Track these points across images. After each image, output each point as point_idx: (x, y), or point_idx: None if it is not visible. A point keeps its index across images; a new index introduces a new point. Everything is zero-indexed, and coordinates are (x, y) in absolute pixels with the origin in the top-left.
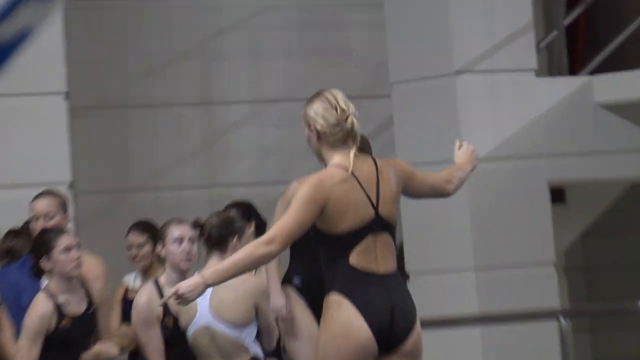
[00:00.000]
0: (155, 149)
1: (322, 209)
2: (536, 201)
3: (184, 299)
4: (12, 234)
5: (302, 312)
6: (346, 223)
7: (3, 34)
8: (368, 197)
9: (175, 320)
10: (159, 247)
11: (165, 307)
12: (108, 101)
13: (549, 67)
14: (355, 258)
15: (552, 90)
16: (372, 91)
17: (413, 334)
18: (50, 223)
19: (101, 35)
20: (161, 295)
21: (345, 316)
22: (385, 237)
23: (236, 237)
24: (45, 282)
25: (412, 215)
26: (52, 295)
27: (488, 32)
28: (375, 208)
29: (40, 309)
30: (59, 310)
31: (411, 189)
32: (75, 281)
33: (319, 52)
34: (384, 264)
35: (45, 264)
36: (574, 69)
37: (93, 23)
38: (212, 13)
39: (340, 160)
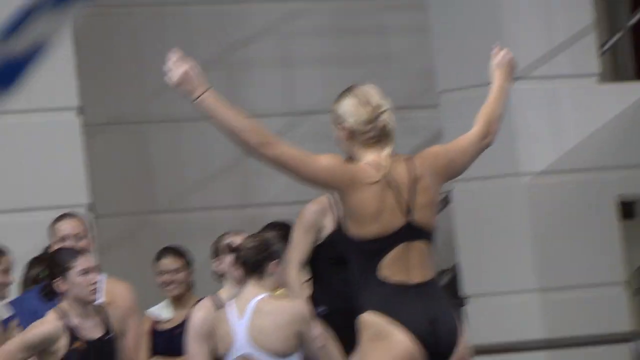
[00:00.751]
0: (181, 167)
1: (338, 189)
2: (603, 217)
3: (181, 77)
4: (36, 260)
5: (329, 342)
6: (375, 227)
7: (14, 49)
8: (400, 202)
9: None
10: (215, 263)
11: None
12: (126, 117)
13: (614, 72)
14: (386, 270)
15: (617, 96)
16: (418, 101)
17: (458, 346)
18: (81, 244)
19: (116, 46)
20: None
21: (386, 333)
22: (419, 245)
23: (275, 261)
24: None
25: (467, 235)
26: (63, 316)
27: (546, 35)
28: (408, 214)
29: (45, 327)
30: (71, 331)
31: (455, 173)
32: (90, 307)
33: (357, 60)
34: (419, 274)
35: (60, 285)
36: None
37: (106, 32)
38: (237, 19)
39: (373, 159)
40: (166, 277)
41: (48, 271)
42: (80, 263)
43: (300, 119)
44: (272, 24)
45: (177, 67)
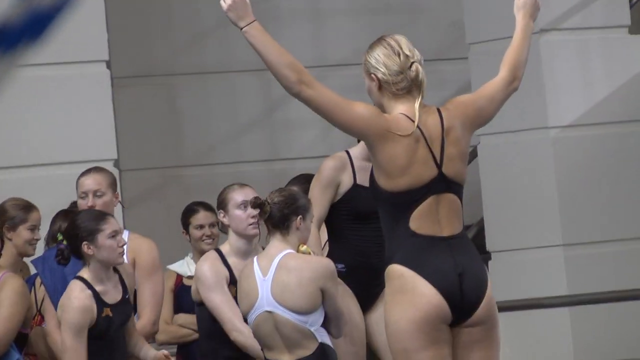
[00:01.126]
0: (208, 121)
1: (369, 138)
2: (631, 171)
3: (231, 4)
4: (62, 214)
5: (348, 299)
6: (405, 179)
7: (42, 0)
8: (432, 153)
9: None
10: (220, 215)
11: (232, 276)
12: (153, 69)
13: None
14: (416, 222)
15: None
16: (447, 53)
17: (485, 299)
18: (100, 201)
19: None
20: (226, 263)
21: (411, 286)
22: (449, 197)
23: (300, 216)
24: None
25: (492, 191)
26: (88, 284)
27: None
28: (439, 166)
29: (79, 301)
30: (98, 299)
31: (484, 121)
32: (110, 269)
33: (388, 11)
34: (449, 226)
35: (87, 249)
36: None
37: None
38: None
39: (405, 110)
40: (206, 230)
41: (65, 235)
42: (110, 225)
43: (330, 71)
44: None
45: None
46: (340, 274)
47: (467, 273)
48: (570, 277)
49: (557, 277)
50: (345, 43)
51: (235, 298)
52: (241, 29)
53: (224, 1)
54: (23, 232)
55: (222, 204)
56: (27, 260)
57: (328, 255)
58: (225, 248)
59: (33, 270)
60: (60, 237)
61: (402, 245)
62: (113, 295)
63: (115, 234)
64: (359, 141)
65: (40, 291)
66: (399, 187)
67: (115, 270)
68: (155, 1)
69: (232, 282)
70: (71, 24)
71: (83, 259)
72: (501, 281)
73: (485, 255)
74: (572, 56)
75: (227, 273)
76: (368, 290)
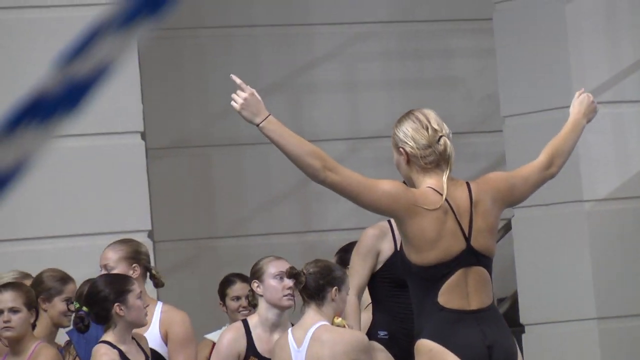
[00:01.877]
0: (242, 192)
1: (397, 214)
2: None
3: (243, 104)
4: (86, 283)
5: None
6: (434, 253)
7: (78, 71)
8: (460, 226)
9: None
10: (254, 285)
11: (252, 348)
12: (188, 141)
13: None
14: (445, 296)
15: None
16: (482, 126)
17: None
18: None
19: (180, 69)
20: (249, 335)
21: (440, 356)
22: (478, 271)
23: (335, 287)
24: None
25: (526, 262)
26: (114, 345)
27: (612, 59)
28: (467, 239)
29: (108, 357)
30: (123, 357)
31: (516, 200)
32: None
33: (422, 83)
34: (477, 300)
35: (119, 310)
36: None
37: (170, 55)
38: (302, 42)
39: (433, 183)
40: (242, 302)
41: (88, 300)
42: (136, 286)
43: (364, 143)
44: (337, 47)
45: (239, 93)
46: (383, 342)
47: (496, 345)
48: (604, 351)
49: (591, 351)
50: (379, 115)
51: None
52: (257, 125)
53: (236, 102)
54: (58, 304)
55: (257, 274)
56: (62, 330)
57: (371, 323)
58: (253, 319)
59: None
60: (77, 305)
61: (430, 319)
62: (135, 356)
63: (140, 295)
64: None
65: None
66: (428, 260)
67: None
68: (190, 72)
69: (254, 354)
70: (107, 95)
71: (107, 323)
72: (535, 354)
73: (519, 328)
74: (607, 129)
75: (245, 345)
76: (410, 358)
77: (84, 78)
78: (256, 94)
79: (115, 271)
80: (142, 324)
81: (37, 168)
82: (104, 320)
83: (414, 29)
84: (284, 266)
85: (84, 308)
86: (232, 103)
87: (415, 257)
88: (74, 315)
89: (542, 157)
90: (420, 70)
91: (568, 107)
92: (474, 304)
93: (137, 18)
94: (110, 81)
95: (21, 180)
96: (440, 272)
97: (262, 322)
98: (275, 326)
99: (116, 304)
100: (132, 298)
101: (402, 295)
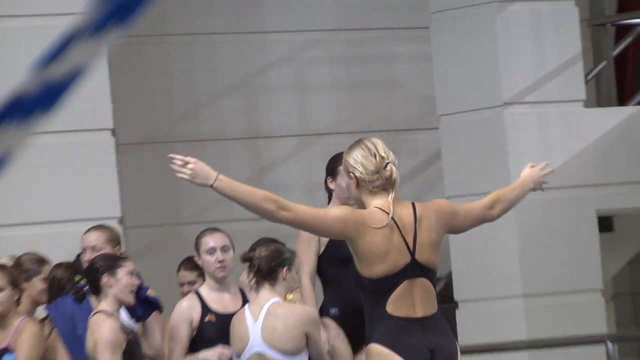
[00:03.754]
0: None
1: (353, 238)
2: (584, 230)
3: (192, 173)
4: (57, 265)
5: (340, 342)
6: (382, 267)
7: (54, 74)
8: (405, 241)
9: (217, 316)
10: (196, 258)
11: (207, 308)
12: (154, 137)
13: (598, 98)
14: (392, 305)
15: (601, 121)
16: (420, 124)
17: None
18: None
19: (146, 72)
20: (203, 303)
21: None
22: (423, 282)
23: (285, 267)
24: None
25: (459, 245)
26: (111, 314)
27: (536, 64)
28: (412, 253)
29: (109, 325)
30: (122, 326)
31: (456, 227)
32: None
33: (366, 86)
34: (422, 309)
35: (107, 281)
36: (622, 100)
37: (138, 60)
38: (257, 48)
39: (380, 204)
40: (185, 288)
41: (84, 276)
42: (129, 264)
43: (313, 139)
44: (290, 52)
45: (184, 166)
46: (335, 318)
47: (438, 349)
48: (530, 325)
49: (518, 326)
50: (327, 114)
51: (213, 323)
52: (211, 186)
53: (184, 174)
54: (37, 283)
55: (197, 248)
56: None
57: (323, 302)
58: (203, 287)
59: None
60: (77, 278)
61: (379, 326)
62: (126, 326)
63: (132, 273)
64: (329, 200)
65: (53, 335)
66: (377, 273)
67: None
68: (156, 75)
69: (210, 312)
70: (80, 96)
71: (99, 295)
72: (467, 328)
73: (454, 305)
74: (533, 127)
75: (199, 309)
76: (359, 332)
77: (59, 80)
78: (198, 161)
79: (102, 251)
80: (126, 300)
81: (17, 162)
82: (96, 290)
83: (359, 36)
84: (215, 241)
85: (83, 281)
86: (182, 176)
87: (366, 271)
88: (74, 286)
89: (487, 199)
90: (365, 74)
91: (497, 106)
92: (419, 312)
93: (107, 26)
94: (83, 83)
95: (3, 172)
96: (388, 283)
97: (210, 288)
98: (222, 288)
99: (105, 275)
100: (121, 272)
101: (346, 272)
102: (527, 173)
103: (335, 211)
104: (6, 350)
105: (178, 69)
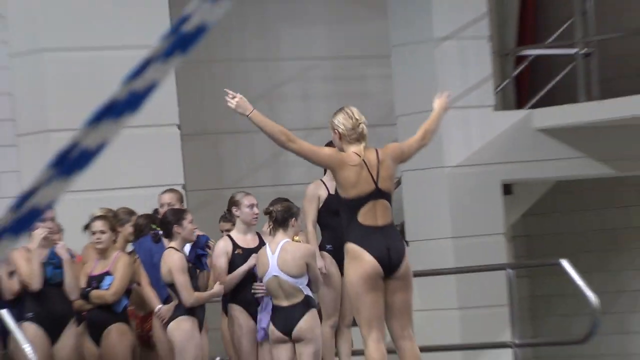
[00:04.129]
0: (239, 162)
1: (335, 170)
2: (493, 192)
3: (237, 104)
4: (140, 216)
5: (333, 268)
6: (355, 191)
7: (137, 86)
8: (371, 175)
9: (243, 250)
10: (234, 210)
11: (236, 245)
12: (207, 129)
13: (503, 104)
14: (362, 217)
15: (505, 119)
16: (385, 121)
17: (403, 264)
18: (174, 207)
19: (203, 82)
20: (233, 242)
21: (359, 255)
22: (383, 202)
23: (294, 218)
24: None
25: (410, 203)
26: (178, 250)
27: (462, 79)
28: (376, 183)
29: (179, 256)
30: (186, 258)
31: (405, 159)
32: None
33: (348, 94)
34: (382, 219)
35: (177, 229)
36: (520, 105)
37: (199, 74)
38: (275, 69)
39: (355, 150)
40: (224, 233)
41: (160, 225)
42: (189, 216)
43: (313, 131)
44: (296, 72)
45: (233, 98)
46: (330, 252)
47: (392, 247)
48: (457, 257)
49: (447, 257)
50: (321, 114)
51: (240, 254)
52: (247, 116)
53: (231, 103)
54: (127, 228)
55: (236, 204)
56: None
57: (321, 241)
58: (233, 232)
59: None
60: (154, 226)
61: (353, 231)
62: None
63: (191, 221)
64: (325, 172)
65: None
66: (351, 196)
67: None
68: (209, 83)
69: (239, 248)
70: (154, 100)
71: (171, 238)
72: (413, 259)
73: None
74: (459, 124)
75: (231, 245)
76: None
77: (140, 90)
78: (243, 97)
79: (175, 207)
80: (191, 239)
81: (110, 147)
82: (168, 234)
83: (343, 61)
84: (252, 200)
85: (158, 229)
86: (230, 104)
87: (344, 194)
88: (151, 232)
89: (418, 134)
90: (346, 87)
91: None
92: (380, 222)
93: (173, 53)
94: (156, 91)
95: (101, 154)
96: (358, 202)
97: (238, 231)
98: (246, 232)
99: (175, 226)
100: (185, 222)
101: (337, 220)
102: (437, 104)
103: (326, 150)
104: (107, 274)
105: (223, 83)
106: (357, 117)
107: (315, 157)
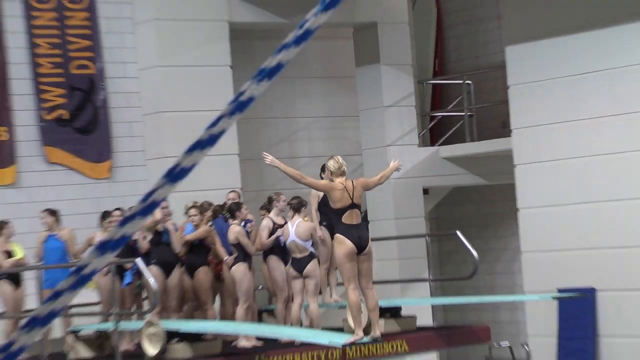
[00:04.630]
0: (273, 175)
1: (328, 193)
2: (417, 193)
3: (271, 161)
4: (215, 205)
5: (326, 235)
6: (340, 204)
7: (214, 131)
8: (349, 195)
9: (274, 225)
10: (274, 203)
11: (275, 224)
12: (253, 156)
13: (423, 143)
14: (344, 219)
15: (424, 152)
16: (356, 152)
17: (368, 246)
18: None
19: (253, 127)
20: (272, 221)
21: (342, 241)
22: (356, 210)
23: (304, 207)
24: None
25: (371, 199)
26: (239, 224)
27: (400, 129)
28: (352, 199)
29: (239, 228)
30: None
31: (368, 189)
32: None
33: (333, 137)
34: (356, 220)
35: (238, 214)
36: (432, 143)
37: (248, 124)
38: (286, 124)
39: (339, 181)
40: (265, 217)
41: (228, 211)
42: (245, 206)
43: (300, 161)
44: (302, 127)
45: (267, 157)
46: (325, 226)
47: (362, 237)
48: (398, 229)
49: (391, 229)
50: (318, 149)
51: (275, 228)
52: (276, 167)
53: (267, 160)
54: (209, 212)
55: (273, 202)
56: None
57: (320, 220)
58: (272, 215)
59: None
60: (224, 212)
61: (339, 227)
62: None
63: (246, 208)
64: (321, 177)
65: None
66: (337, 207)
67: None
68: (262, 129)
69: (277, 226)
70: (225, 137)
71: (234, 219)
72: (374, 231)
73: (367, 222)
74: (395, 156)
75: (272, 224)
76: (333, 232)
77: (216, 133)
78: (272, 157)
79: (235, 201)
80: (244, 219)
81: (198, 166)
82: (233, 217)
83: (332, 119)
84: (283, 197)
85: (227, 214)
86: (265, 162)
87: (333, 206)
88: (222, 215)
89: (377, 177)
90: (333, 133)
91: (383, 146)
92: (354, 222)
93: (235, 114)
94: (226, 132)
95: (192, 170)
96: (342, 211)
97: (273, 214)
98: (278, 215)
99: (236, 211)
100: (242, 209)
101: (328, 209)
102: (392, 165)
103: (322, 181)
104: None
105: (258, 128)
106: (341, 162)
107: (316, 185)
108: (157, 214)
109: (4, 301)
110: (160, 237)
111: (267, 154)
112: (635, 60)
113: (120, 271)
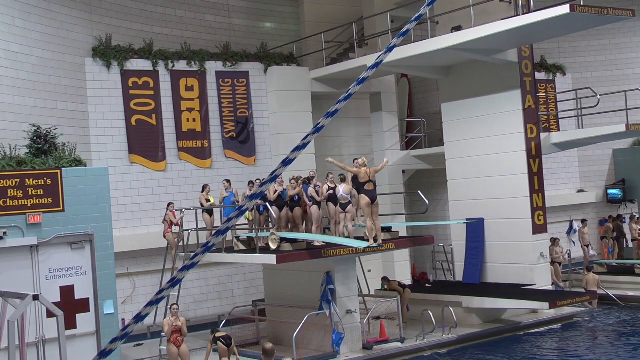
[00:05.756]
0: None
1: (358, 174)
2: (398, 173)
3: (330, 160)
4: (304, 178)
5: (356, 194)
6: (363, 180)
7: (299, 147)
8: (369, 177)
9: (332, 189)
10: (330, 176)
11: (329, 188)
12: (324, 154)
13: (403, 147)
14: (366, 187)
15: (403, 153)
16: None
17: (376, 201)
18: (311, 175)
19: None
20: (329, 187)
21: (364, 197)
22: (371, 183)
23: (346, 179)
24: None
25: (378, 177)
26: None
27: (390, 141)
28: (369, 178)
29: (311, 188)
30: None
31: (376, 173)
32: None
33: (334, 138)
34: (370, 187)
35: (312, 182)
36: (407, 148)
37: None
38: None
39: (364, 169)
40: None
41: (308, 180)
42: (316, 178)
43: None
44: (336, 144)
45: (329, 158)
46: (356, 190)
47: (374, 196)
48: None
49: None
50: (347, 151)
51: (332, 189)
52: (332, 162)
53: (329, 160)
54: (271, 189)
55: (329, 176)
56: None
57: (352, 186)
58: (328, 182)
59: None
60: (306, 181)
61: (362, 190)
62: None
63: (316, 179)
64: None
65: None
66: (362, 181)
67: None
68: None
69: (330, 188)
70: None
71: (310, 184)
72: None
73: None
74: (389, 154)
75: (327, 187)
76: (359, 192)
77: (301, 146)
78: (331, 158)
79: (311, 175)
80: (295, 195)
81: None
82: (310, 183)
83: (358, 137)
84: (332, 177)
85: (307, 181)
86: (327, 161)
87: (360, 180)
88: (306, 182)
89: (379, 166)
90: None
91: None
92: (370, 188)
93: (312, 134)
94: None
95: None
96: (364, 183)
97: (330, 183)
98: (334, 182)
99: (312, 180)
100: (314, 179)
101: (357, 182)
102: (384, 160)
103: (355, 169)
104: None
105: (330, 143)
106: (364, 159)
107: (352, 171)
108: (275, 185)
109: (205, 223)
110: (280, 195)
111: (329, 157)
112: (505, 109)
113: (267, 208)
